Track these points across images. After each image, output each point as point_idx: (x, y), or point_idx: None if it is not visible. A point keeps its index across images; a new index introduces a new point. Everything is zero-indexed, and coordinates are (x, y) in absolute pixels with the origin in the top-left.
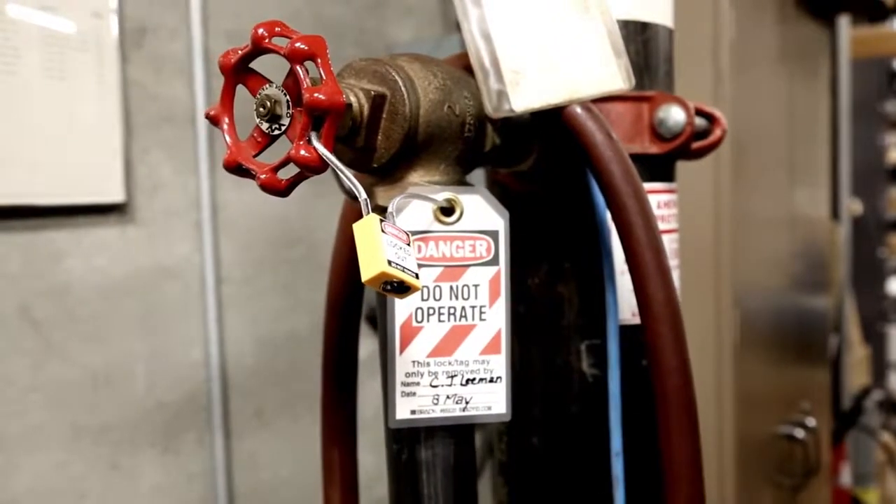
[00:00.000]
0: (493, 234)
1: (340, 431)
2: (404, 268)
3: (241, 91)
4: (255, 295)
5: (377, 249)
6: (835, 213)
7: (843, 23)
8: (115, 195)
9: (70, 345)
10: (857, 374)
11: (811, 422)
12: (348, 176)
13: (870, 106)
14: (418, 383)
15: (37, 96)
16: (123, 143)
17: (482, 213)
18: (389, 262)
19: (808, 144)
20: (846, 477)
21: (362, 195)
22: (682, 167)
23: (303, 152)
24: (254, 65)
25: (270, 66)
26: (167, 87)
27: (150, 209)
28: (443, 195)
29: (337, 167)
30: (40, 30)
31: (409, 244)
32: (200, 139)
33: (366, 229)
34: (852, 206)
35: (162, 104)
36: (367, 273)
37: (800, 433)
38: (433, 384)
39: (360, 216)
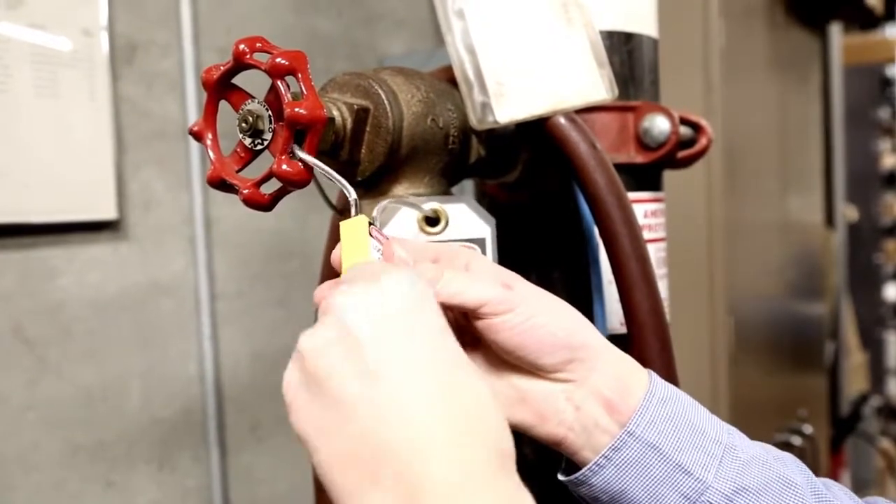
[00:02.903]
0: (480, 242)
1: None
2: None
3: (229, 107)
4: (249, 309)
5: (363, 249)
6: (830, 219)
7: (835, 30)
8: (108, 212)
9: (64, 362)
10: (855, 381)
11: (808, 429)
12: (335, 176)
13: (863, 112)
14: None
15: (28, 114)
16: (115, 160)
17: (468, 221)
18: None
19: (801, 151)
20: (845, 484)
21: (352, 194)
22: (674, 176)
23: (285, 166)
24: (242, 80)
25: (260, 83)
26: (159, 103)
27: (143, 225)
28: (428, 205)
29: (324, 170)
30: (31, 47)
31: None
32: (193, 155)
33: (353, 229)
34: (847, 212)
35: (154, 120)
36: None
37: (797, 440)
38: None
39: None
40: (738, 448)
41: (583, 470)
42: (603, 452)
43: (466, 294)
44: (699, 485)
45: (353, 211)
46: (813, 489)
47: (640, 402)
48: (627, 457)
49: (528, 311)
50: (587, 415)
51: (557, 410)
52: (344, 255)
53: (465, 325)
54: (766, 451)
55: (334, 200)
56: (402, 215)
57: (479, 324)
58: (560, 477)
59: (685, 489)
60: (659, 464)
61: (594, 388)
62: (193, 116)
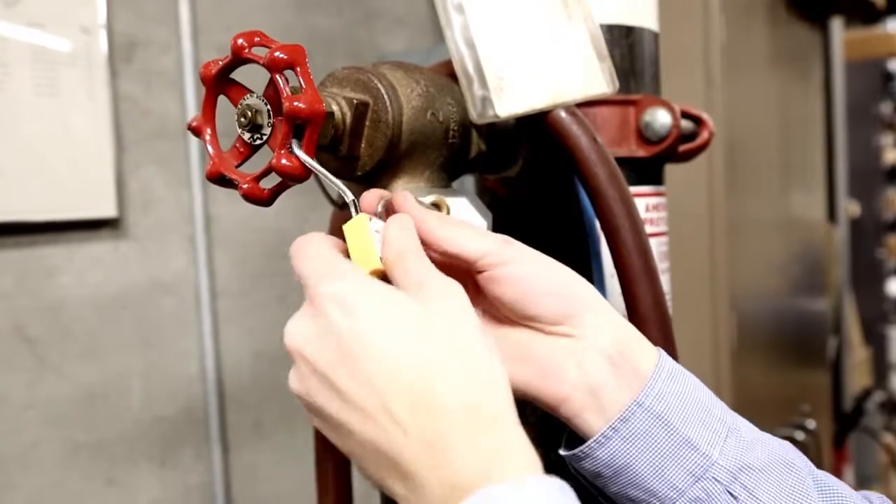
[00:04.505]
0: None
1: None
2: None
3: (229, 105)
4: (250, 308)
5: (369, 247)
6: (832, 214)
7: (836, 25)
8: (108, 210)
9: (65, 361)
10: (858, 376)
11: (811, 424)
12: (331, 178)
13: (865, 107)
14: None
15: (27, 113)
16: (115, 158)
17: (467, 215)
18: (381, 259)
19: (803, 147)
20: (849, 479)
21: (349, 196)
22: (676, 171)
23: (284, 161)
24: (240, 75)
25: (259, 78)
26: (158, 101)
27: (144, 224)
28: (429, 197)
29: (319, 171)
30: (30, 46)
31: None
32: (193, 153)
33: (356, 229)
34: (850, 207)
35: (153, 118)
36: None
37: (800, 435)
38: None
39: (347, 220)
40: (742, 429)
41: (588, 442)
42: (611, 423)
43: (469, 245)
44: (705, 461)
45: (352, 211)
46: (812, 474)
47: (650, 375)
48: (635, 428)
49: (526, 262)
50: (591, 373)
51: (559, 367)
52: (352, 255)
53: (465, 283)
54: (767, 436)
55: (333, 196)
56: None
57: (481, 277)
58: (562, 452)
59: (691, 465)
60: (666, 437)
61: (596, 344)
62: (193, 114)
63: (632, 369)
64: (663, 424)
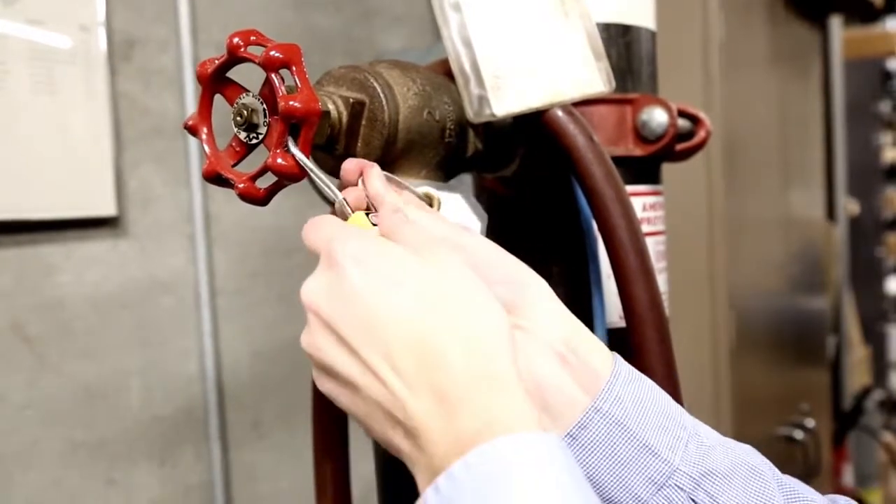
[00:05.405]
0: None
1: (332, 443)
2: None
3: (225, 102)
4: (249, 306)
5: None
6: (831, 213)
7: (835, 23)
8: (107, 209)
9: (64, 360)
10: (857, 375)
11: (810, 423)
12: (322, 178)
13: (864, 106)
14: None
15: (25, 111)
16: (114, 157)
17: (460, 213)
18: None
19: (802, 146)
20: (848, 478)
21: (339, 196)
22: (674, 170)
23: (280, 160)
24: (237, 74)
25: (257, 76)
26: (157, 99)
27: (142, 222)
28: (421, 188)
29: (311, 170)
30: (28, 44)
31: None
32: (192, 151)
33: (357, 224)
34: (849, 206)
35: (152, 117)
36: None
37: (799, 434)
38: None
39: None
40: (702, 433)
41: None
42: (569, 431)
43: None
44: (666, 467)
45: (346, 210)
46: (777, 479)
47: (607, 377)
48: (594, 435)
49: (477, 250)
50: (538, 368)
51: None
52: None
53: None
54: (728, 440)
55: (326, 195)
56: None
57: None
58: None
59: (652, 472)
60: (626, 444)
61: (546, 339)
62: (192, 112)
63: (587, 368)
64: (623, 430)
